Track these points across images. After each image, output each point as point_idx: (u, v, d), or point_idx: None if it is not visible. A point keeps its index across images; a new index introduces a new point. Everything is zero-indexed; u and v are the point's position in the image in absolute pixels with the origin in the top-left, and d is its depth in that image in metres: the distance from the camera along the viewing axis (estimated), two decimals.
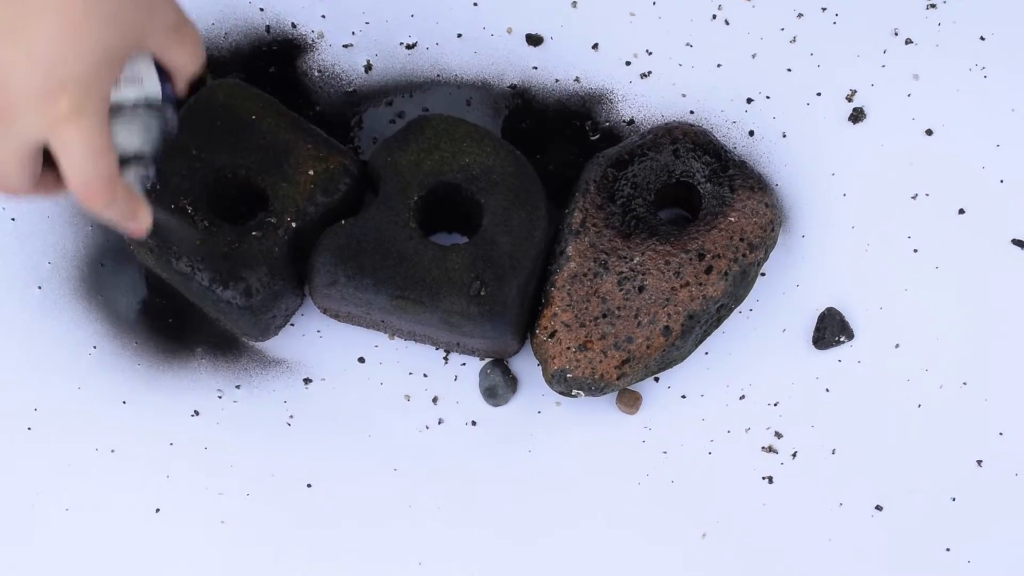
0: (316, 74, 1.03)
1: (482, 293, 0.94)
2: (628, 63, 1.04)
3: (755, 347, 1.00)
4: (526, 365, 1.00)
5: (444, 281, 0.94)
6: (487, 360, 1.00)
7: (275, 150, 0.96)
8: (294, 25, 1.04)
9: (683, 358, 0.99)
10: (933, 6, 1.05)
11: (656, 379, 1.00)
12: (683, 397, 1.00)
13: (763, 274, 1.01)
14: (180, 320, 1.00)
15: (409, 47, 1.05)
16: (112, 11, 0.78)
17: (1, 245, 1.01)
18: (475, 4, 1.05)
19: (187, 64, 0.83)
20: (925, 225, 1.02)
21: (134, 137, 0.82)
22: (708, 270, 0.96)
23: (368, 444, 0.99)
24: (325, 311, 1.00)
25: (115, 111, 0.81)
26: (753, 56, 1.04)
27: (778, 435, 0.99)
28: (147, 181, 0.83)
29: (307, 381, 1.00)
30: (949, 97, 1.03)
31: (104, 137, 0.80)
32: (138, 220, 0.83)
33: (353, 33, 1.05)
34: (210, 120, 0.96)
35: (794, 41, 1.05)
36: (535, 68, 1.04)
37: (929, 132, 1.03)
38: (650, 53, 1.05)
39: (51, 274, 1.01)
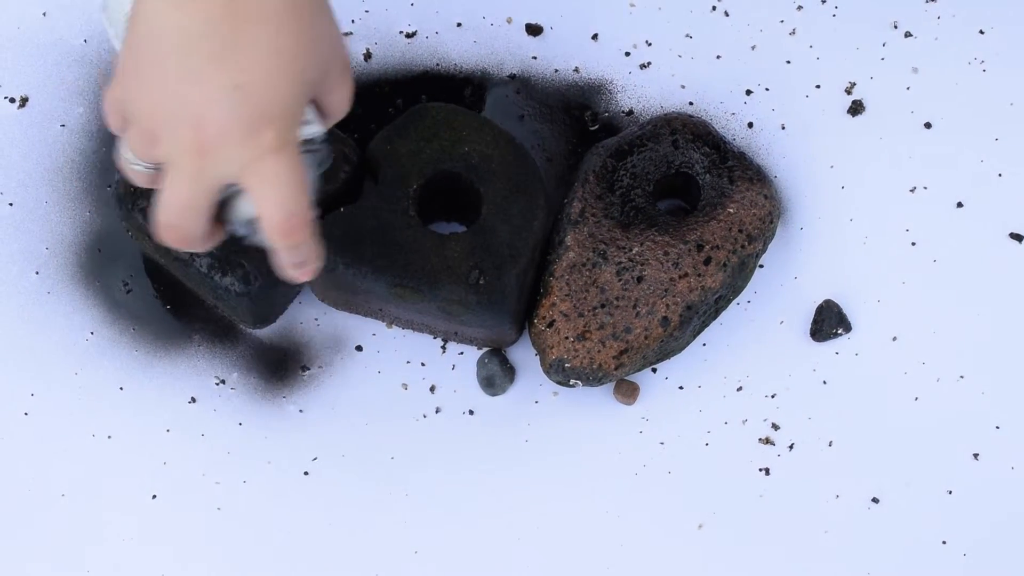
0: None
1: (481, 282, 0.94)
2: (628, 54, 1.04)
3: (753, 339, 1.00)
4: (524, 355, 1.00)
5: (443, 270, 0.94)
6: (485, 349, 1.00)
7: None
8: None
9: (681, 349, 0.99)
10: None
11: (654, 370, 1.00)
12: (680, 388, 1.00)
13: (761, 266, 1.01)
14: (178, 307, 1.00)
15: (409, 35, 1.04)
16: (316, 48, 0.78)
17: None
18: None
19: (342, 107, 0.83)
20: (923, 218, 1.02)
21: (309, 176, 0.81)
22: (707, 261, 0.96)
23: (365, 432, 0.99)
24: (323, 299, 1.00)
25: None
26: (753, 48, 1.04)
27: (775, 427, 0.99)
28: (318, 227, 0.83)
29: (304, 369, 1.00)
30: (948, 90, 1.03)
31: (302, 170, 0.79)
32: (314, 262, 0.83)
33: (353, 21, 1.05)
34: None
35: (794, 33, 1.05)
36: (534, 58, 1.04)
37: (928, 125, 1.03)
38: (650, 44, 1.05)
39: (48, 260, 1.01)
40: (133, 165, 0.83)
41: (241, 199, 0.82)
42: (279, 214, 0.79)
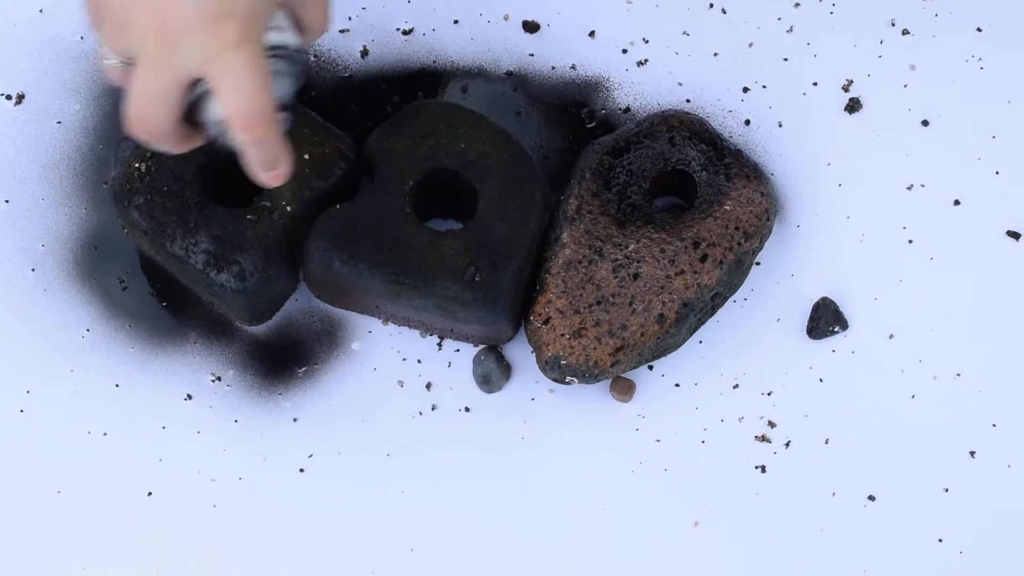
0: (312, 59, 1.03)
1: (477, 279, 0.94)
2: (625, 51, 1.04)
3: (749, 336, 1.00)
4: (520, 352, 1.00)
5: (439, 266, 0.94)
6: (481, 347, 1.00)
7: None
8: None
9: (677, 346, 0.99)
10: None
11: (650, 367, 1.00)
12: (677, 385, 1.00)
13: (758, 263, 1.01)
14: (174, 304, 1.00)
15: (406, 33, 1.04)
16: None
17: None
18: None
19: (318, 23, 0.86)
20: (920, 216, 1.02)
21: (276, 81, 0.83)
22: (703, 258, 0.96)
23: (361, 429, 0.99)
24: (319, 296, 0.99)
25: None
26: (750, 45, 1.04)
27: (771, 424, 0.99)
28: (286, 125, 0.85)
29: (300, 366, 0.99)
30: (945, 88, 1.03)
31: (265, 67, 0.82)
32: (282, 164, 0.85)
33: (350, 18, 1.04)
34: None
35: (791, 31, 1.05)
36: (531, 55, 1.04)
37: (925, 123, 1.03)
38: (647, 41, 1.04)
39: (44, 256, 1.01)
40: (108, 60, 0.85)
41: (211, 99, 0.83)
42: (239, 107, 0.81)
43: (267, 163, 0.85)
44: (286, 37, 0.84)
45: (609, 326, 0.95)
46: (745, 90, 1.04)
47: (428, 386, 0.99)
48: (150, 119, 0.83)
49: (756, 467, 0.99)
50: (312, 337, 1.00)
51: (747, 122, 1.03)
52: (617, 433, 0.99)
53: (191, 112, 0.84)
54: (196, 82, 0.82)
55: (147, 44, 0.81)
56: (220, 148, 0.86)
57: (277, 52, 0.84)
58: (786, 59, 1.04)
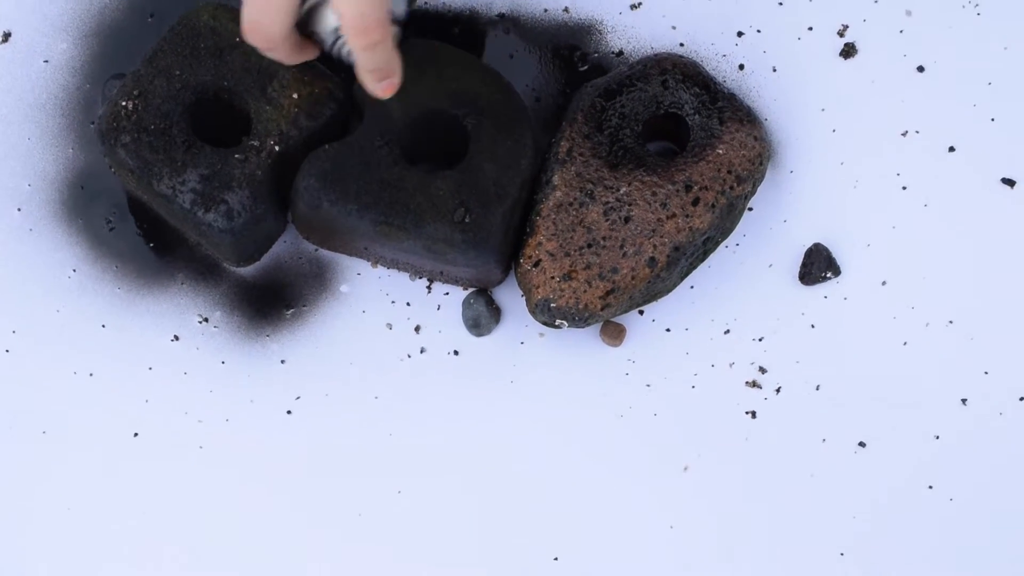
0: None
1: (467, 220, 0.93)
2: None
3: (741, 282, 1.00)
4: (510, 296, 0.99)
5: (428, 208, 0.93)
6: (470, 290, 0.99)
7: (259, 73, 0.95)
8: None
9: (668, 291, 0.98)
10: None
11: (641, 312, 0.99)
12: (667, 331, 0.99)
13: (750, 209, 1.00)
14: (161, 245, 1.00)
15: None
16: None
17: None
18: None
19: None
20: (915, 162, 1.01)
21: None
22: (695, 202, 0.96)
23: (349, 372, 0.98)
24: (307, 238, 0.99)
25: None
26: None
27: (762, 370, 0.99)
28: (397, 39, 0.87)
29: (288, 308, 0.99)
30: (941, 34, 1.02)
31: None
32: (395, 74, 0.87)
33: None
34: (194, 41, 0.95)
35: None
36: None
37: (920, 69, 1.02)
38: None
39: (31, 196, 1.00)
40: None
41: (325, 9, 0.86)
42: (353, 10, 0.83)
43: (381, 71, 0.87)
44: None
45: (600, 269, 0.94)
46: (739, 34, 1.03)
47: (417, 329, 0.99)
48: (266, 26, 0.85)
49: (746, 412, 0.98)
50: (300, 279, 0.99)
51: (741, 67, 1.02)
52: (607, 377, 0.98)
53: (304, 24, 0.87)
54: None
55: None
56: (333, 59, 0.89)
57: None
58: (781, 3, 1.03)
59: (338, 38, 0.88)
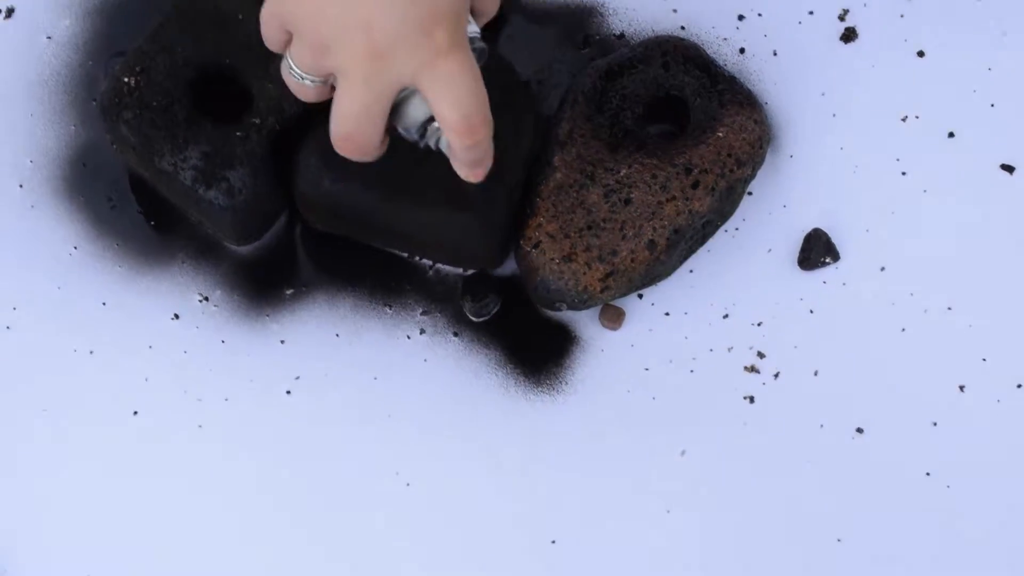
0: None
1: (469, 200, 0.93)
2: None
3: (740, 266, 1.00)
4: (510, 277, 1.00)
5: (430, 187, 0.93)
6: (471, 271, 0.99)
7: (261, 49, 0.95)
8: None
9: (668, 274, 0.99)
10: None
11: (640, 295, 0.99)
12: (667, 314, 0.99)
13: (750, 193, 1.00)
14: (162, 223, 1.00)
15: None
16: None
17: None
18: None
19: (491, 7, 0.85)
20: (914, 147, 1.01)
21: None
22: (695, 185, 0.96)
23: (349, 352, 0.98)
24: (308, 216, 0.99)
25: None
26: None
27: (761, 355, 0.99)
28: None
29: (288, 288, 0.99)
30: (942, 19, 1.03)
31: (478, 69, 0.81)
32: (490, 161, 0.85)
33: None
34: (195, 17, 0.95)
35: None
36: None
37: (921, 54, 1.02)
38: None
39: (32, 173, 1.00)
40: (303, 80, 0.84)
41: (410, 103, 0.83)
42: (458, 114, 0.80)
43: (479, 161, 0.84)
44: (472, 28, 0.83)
45: (599, 251, 0.95)
46: (740, 18, 1.03)
47: (417, 310, 0.99)
48: (361, 135, 0.83)
49: (745, 397, 0.98)
50: (300, 259, 0.99)
51: (742, 50, 1.02)
52: (606, 360, 0.98)
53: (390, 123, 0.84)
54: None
55: (355, 62, 0.80)
56: (424, 149, 0.86)
57: (471, 45, 0.83)
58: None
59: (426, 130, 0.85)
